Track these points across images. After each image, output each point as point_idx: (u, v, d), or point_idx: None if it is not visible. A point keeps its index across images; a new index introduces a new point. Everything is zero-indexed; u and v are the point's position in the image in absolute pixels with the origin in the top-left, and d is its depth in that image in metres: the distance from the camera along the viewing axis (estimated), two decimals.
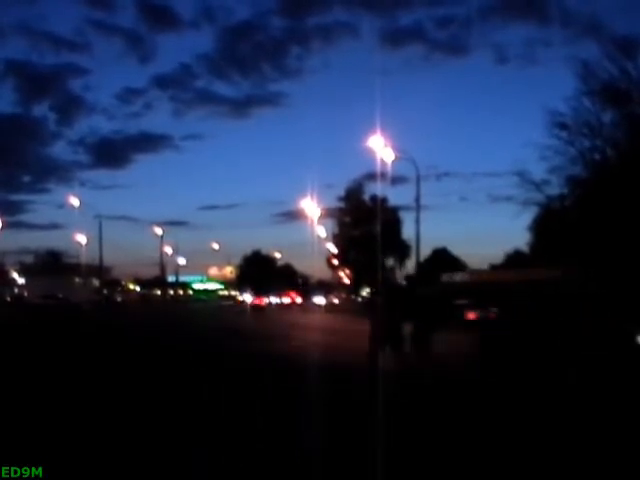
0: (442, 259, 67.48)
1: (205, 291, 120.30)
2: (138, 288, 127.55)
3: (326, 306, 71.25)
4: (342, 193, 74.79)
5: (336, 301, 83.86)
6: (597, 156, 36.12)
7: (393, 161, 42.62)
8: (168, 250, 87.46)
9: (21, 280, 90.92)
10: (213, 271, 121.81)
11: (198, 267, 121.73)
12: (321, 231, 66.89)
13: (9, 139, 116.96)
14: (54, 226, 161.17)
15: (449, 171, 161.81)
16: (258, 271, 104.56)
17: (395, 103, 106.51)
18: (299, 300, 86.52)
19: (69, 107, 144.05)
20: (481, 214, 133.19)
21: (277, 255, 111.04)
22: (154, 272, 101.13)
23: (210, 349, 17.25)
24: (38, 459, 5.15)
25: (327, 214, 69.55)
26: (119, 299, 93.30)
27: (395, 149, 42.35)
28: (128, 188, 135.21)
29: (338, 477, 5.38)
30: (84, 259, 74.97)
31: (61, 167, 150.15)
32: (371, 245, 55.53)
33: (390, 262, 70.33)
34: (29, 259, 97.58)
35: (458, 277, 50.67)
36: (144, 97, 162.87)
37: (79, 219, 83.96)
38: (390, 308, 10.03)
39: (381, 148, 40.87)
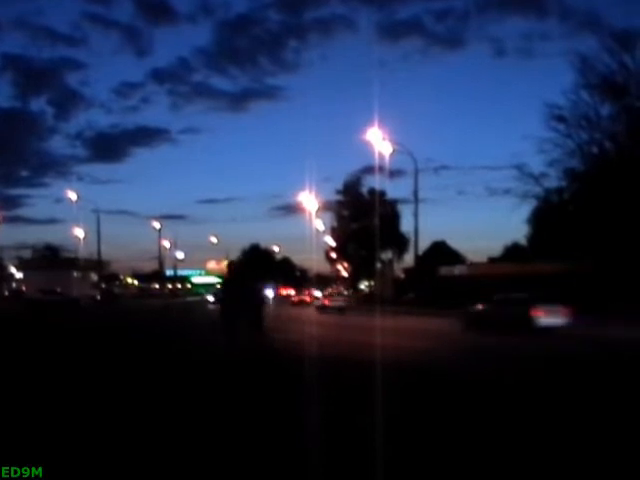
0: (441, 252, 67.49)
1: (203, 285, 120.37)
2: (136, 282, 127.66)
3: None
4: (340, 186, 74.83)
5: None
6: (595, 149, 36.23)
7: (391, 154, 42.76)
8: (166, 244, 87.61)
9: (19, 275, 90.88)
10: (211, 265, 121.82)
11: (196, 261, 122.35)
12: (319, 224, 67.04)
13: (7, 133, 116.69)
14: (52, 220, 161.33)
15: (447, 164, 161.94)
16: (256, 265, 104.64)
17: (393, 96, 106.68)
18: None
19: (66, 101, 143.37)
20: (479, 207, 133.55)
21: (275, 249, 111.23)
22: (152, 266, 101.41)
23: (198, 343, 17.23)
24: (37, 459, 5.16)
25: (325, 207, 69.79)
26: (116, 292, 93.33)
27: (393, 142, 42.48)
28: (126, 182, 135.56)
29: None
30: (82, 253, 75.08)
31: (59, 161, 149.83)
32: (369, 238, 55.56)
33: (389, 255, 70.37)
34: (27, 254, 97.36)
35: (457, 270, 50.74)
36: (141, 91, 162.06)
37: (77, 213, 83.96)
38: (232, 298, 12.68)
39: (379, 141, 40.94)
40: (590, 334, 20.72)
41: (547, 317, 21.50)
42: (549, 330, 20.89)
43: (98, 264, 72.05)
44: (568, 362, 13.46)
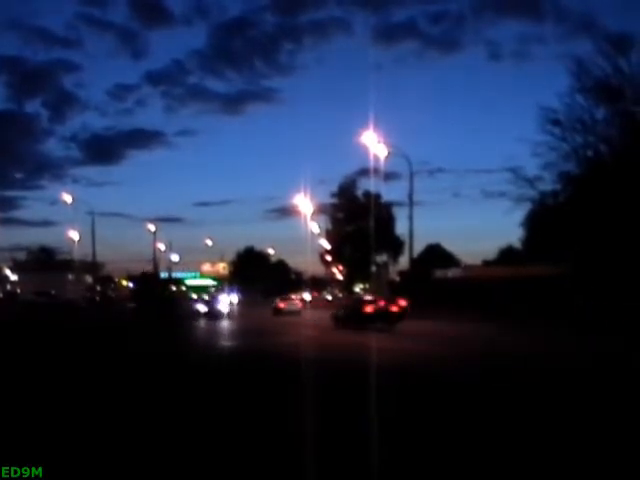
0: (436, 255, 67.58)
1: (198, 287, 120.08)
2: (131, 284, 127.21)
3: (311, 302, 70.20)
4: (335, 189, 74.75)
5: (329, 297, 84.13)
6: (590, 152, 36.29)
7: (386, 157, 42.75)
8: (161, 246, 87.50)
9: (14, 277, 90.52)
10: (206, 267, 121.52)
11: (191, 263, 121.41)
12: (314, 227, 66.91)
13: (1, 136, 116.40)
14: (47, 223, 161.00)
15: (442, 167, 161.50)
16: (251, 267, 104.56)
17: (388, 99, 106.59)
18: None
19: (61, 103, 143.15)
20: (474, 210, 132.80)
21: (270, 251, 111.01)
22: (147, 268, 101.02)
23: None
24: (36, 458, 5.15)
25: (320, 210, 69.62)
26: (109, 294, 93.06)
27: (388, 145, 42.45)
28: (121, 185, 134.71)
29: None
30: (77, 256, 74.86)
31: (54, 163, 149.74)
32: (364, 241, 55.55)
33: (384, 258, 70.36)
34: (22, 256, 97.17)
35: (451, 273, 50.79)
36: (136, 93, 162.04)
37: (72, 215, 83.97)
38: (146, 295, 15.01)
39: (374, 144, 40.92)
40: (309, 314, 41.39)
41: (288, 306, 46.89)
42: (290, 312, 44.25)
43: (93, 266, 71.84)
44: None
